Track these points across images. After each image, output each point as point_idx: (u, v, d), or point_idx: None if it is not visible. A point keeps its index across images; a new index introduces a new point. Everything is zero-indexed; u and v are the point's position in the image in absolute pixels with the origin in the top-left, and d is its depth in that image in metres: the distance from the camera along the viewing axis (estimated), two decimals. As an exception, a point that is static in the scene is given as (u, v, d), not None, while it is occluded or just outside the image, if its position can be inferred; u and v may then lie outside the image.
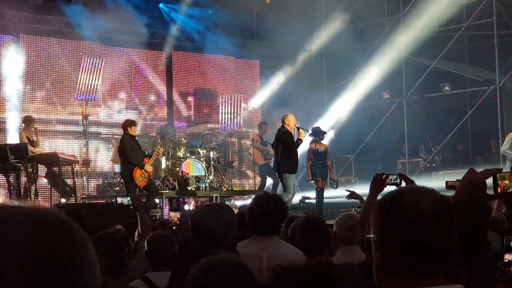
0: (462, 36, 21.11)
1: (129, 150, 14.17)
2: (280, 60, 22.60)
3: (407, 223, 2.19)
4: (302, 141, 14.37)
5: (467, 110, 20.97)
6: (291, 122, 14.33)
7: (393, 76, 21.36)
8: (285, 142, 14.22)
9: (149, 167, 14.44)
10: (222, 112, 20.96)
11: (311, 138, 16.29)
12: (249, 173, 21.12)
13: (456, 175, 18.58)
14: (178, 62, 21.26)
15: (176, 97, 21.07)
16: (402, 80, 20.99)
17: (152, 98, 20.60)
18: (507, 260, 3.61)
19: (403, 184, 4.89)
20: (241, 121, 21.25)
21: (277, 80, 21.82)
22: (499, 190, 2.84)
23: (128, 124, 14.28)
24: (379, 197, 5.08)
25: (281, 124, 14.59)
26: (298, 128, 14.37)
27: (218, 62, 21.75)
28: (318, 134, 16.49)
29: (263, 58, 22.67)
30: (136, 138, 14.49)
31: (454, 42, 20.41)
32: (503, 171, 2.87)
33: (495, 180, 2.83)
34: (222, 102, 21.05)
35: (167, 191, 16.18)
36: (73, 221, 1.52)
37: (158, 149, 15.23)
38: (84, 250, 1.53)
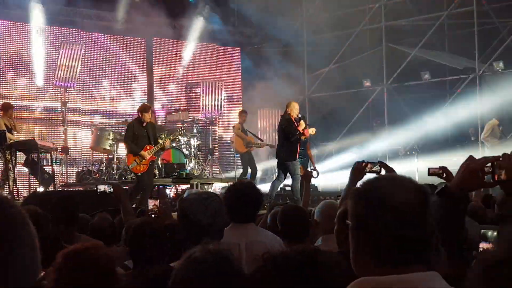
0: (442, 24, 21.19)
1: (128, 134, 13.99)
2: (261, 47, 22.56)
3: (383, 214, 2.20)
4: (300, 132, 14.06)
5: (446, 98, 21.05)
6: (293, 111, 14.11)
7: (374, 63, 21.40)
8: (284, 130, 14.14)
9: (144, 154, 13.84)
10: (203, 100, 20.89)
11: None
12: (230, 161, 21.12)
13: (436, 163, 18.68)
14: (159, 49, 21.14)
15: (156, 85, 20.97)
16: (383, 68, 21.03)
17: (132, 85, 20.50)
18: (481, 249, 3.65)
19: (383, 172, 4.90)
20: (222, 109, 21.19)
21: (258, 67, 21.78)
22: (496, 177, 2.85)
23: (140, 109, 13.95)
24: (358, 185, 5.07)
25: (284, 111, 14.32)
26: (300, 118, 14.15)
27: (199, 49, 21.66)
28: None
29: (244, 45, 22.62)
30: (147, 124, 13.86)
31: (434, 30, 20.47)
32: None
33: (493, 168, 2.84)
34: (203, 89, 20.98)
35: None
36: (12, 200, 1.60)
37: (166, 138, 14.76)
38: (22, 227, 1.65)
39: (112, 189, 7.00)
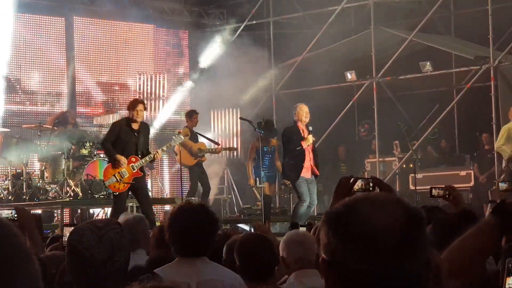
0: (447, 1, 21.29)
1: (108, 135, 13.66)
2: (215, 31, 22.48)
3: (357, 245, 2.18)
4: (301, 147, 14.34)
5: (453, 95, 21.13)
6: (301, 116, 14.46)
7: (360, 51, 21.41)
8: (282, 141, 14.68)
9: (127, 170, 13.54)
10: (140, 97, 20.76)
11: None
12: (175, 175, 21.01)
13: (440, 179, 18.72)
14: (82, 31, 20.98)
15: (79, 76, 20.81)
16: (371, 57, 21.06)
17: (48, 77, 20.31)
18: (509, 286, 3.63)
19: (377, 190, 4.85)
20: (165, 108, 21.10)
21: (212, 57, 21.72)
22: None
23: (130, 106, 13.61)
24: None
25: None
26: (309, 131, 14.46)
27: (136, 32, 21.55)
28: (265, 128, 16.51)
29: (193, 28, 22.54)
30: (140, 128, 13.57)
31: (437, 8, 20.56)
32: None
33: None
34: (139, 84, 20.86)
35: (67, 199, 16.01)
36: (13, 227, 1.81)
37: (157, 151, 14.33)
38: (26, 259, 1.79)
39: (15, 214, 6.87)
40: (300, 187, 14.46)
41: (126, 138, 13.56)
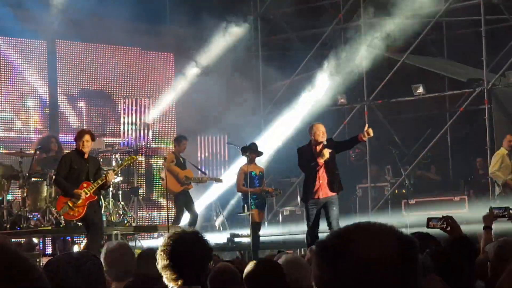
0: (439, 23, 21.40)
1: (60, 168, 13.91)
2: (201, 52, 22.52)
3: (351, 276, 2.20)
4: (317, 164, 13.87)
5: (446, 119, 21.19)
6: (317, 135, 13.88)
7: (351, 74, 21.48)
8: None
9: (79, 193, 13.75)
10: (124, 122, 20.76)
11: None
12: (162, 203, 20.99)
13: (433, 205, 18.61)
14: (64, 55, 20.98)
15: (61, 101, 20.80)
16: (362, 80, 21.13)
17: (29, 102, 20.28)
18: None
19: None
20: (150, 134, 21.07)
21: (198, 80, 21.73)
22: None
23: (76, 136, 14.04)
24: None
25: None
26: (324, 145, 13.90)
27: (119, 55, 21.57)
28: (250, 150, 16.53)
29: (179, 50, 22.56)
30: (89, 157, 14.08)
31: (430, 31, 20.65)
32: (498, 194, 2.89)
33: None
34: (124, 109, 20.84)
35: (49, 227, 15.94)
36: (23, 252, 1.90)
37: (108, 172, 14.52)
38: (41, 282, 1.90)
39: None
40: (306, 210, 14.25)
41: (78, 167, 13.91)
